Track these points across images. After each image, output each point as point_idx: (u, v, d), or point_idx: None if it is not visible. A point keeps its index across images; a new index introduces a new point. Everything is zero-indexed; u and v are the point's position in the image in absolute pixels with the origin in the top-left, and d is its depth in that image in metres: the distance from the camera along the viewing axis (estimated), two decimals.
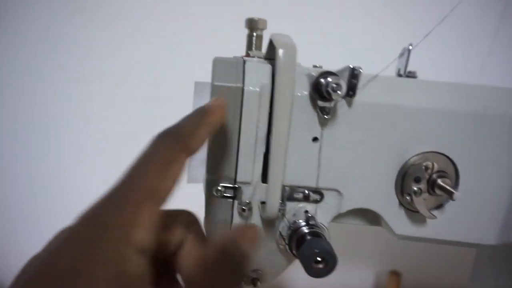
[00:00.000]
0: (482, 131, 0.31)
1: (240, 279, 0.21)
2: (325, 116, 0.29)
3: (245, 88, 0.29)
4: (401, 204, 0.32)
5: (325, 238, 0.30)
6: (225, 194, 0.31)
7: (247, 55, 0.35)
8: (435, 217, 0.31)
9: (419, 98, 0.31)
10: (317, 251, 0.27)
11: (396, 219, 0.33)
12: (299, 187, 0.31)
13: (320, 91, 0.28)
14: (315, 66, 0.34)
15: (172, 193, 0.20)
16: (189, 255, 0.22)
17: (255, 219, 0.32)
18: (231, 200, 0.31)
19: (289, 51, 0.25)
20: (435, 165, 0.30)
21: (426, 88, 0.31)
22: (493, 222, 0.33)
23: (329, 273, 0.28)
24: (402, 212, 0.33)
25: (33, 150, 0.68)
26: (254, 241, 0.22)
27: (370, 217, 0.34)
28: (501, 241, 0.34)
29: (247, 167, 0.30)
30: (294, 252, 0.30)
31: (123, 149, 0.50)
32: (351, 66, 0.28)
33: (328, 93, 0.27)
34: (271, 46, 0.29)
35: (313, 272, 0.28)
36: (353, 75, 0.28)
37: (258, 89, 0.29)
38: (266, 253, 0.33)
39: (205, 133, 0.23)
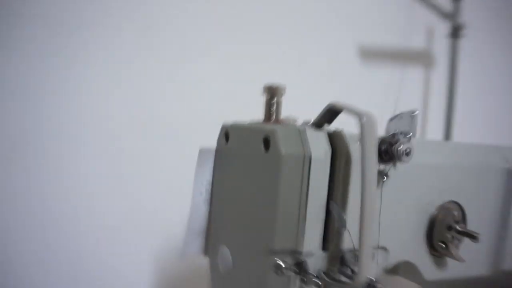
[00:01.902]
0: (483, 181, 0.37)
1: None
2: (383, 179, 0.30)
3: (313, 156, 0.27)
4: (430, 252, 0.35)
5: None
6: (288, 271, 0.28)
7: (267, 120, 0.34)
8: (464, 260, 0.34)
9: (438, 157, 0.35)
10: None
11: (425, 266, 0.35)
12: (356, 249, 0.30)
13: (381, 155, 0.29)
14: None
15: None
16: None
17: None
18: (289, 275, 0.28)
19: (371, 118, 0.26)
20: (459, 213, 0.34)
21: (439, 147, 0.36)
22: (488, 256, 0.38)
23: None
24: (430, 259, 0.35)
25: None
26: None
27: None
28: (492, 271, 0.39)
29: (312, 236, 0.28)
30: None
31: None
32: (400, 132, 0.30)
33: (398, 156, 0.28)
34: (329, 113, 0.29)
35: None
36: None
37: (323, 157, 0.28)
38: None
39: None
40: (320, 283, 0.27)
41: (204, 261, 0.41)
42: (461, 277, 0.37)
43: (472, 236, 0.34)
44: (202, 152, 0.35)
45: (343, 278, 0.30)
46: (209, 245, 0.37)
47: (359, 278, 0.26)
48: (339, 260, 0.30)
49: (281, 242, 0.28)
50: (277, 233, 0.27)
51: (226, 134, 0.34)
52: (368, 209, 0.26)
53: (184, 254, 0.38)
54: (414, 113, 0.36)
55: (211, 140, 0.36)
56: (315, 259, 0.29)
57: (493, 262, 0.39)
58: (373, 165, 0.26)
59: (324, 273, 0.29)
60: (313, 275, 0.28)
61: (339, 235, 0.30)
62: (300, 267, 0.28)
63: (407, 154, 0.28)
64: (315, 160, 0.28)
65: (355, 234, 0.30)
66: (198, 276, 0.63)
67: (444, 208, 0.34)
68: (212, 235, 0.37)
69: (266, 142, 0.28)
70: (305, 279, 0.28)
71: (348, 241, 0.30)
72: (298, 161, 0.27)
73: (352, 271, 0.29)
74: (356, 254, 0.30)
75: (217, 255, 0.35)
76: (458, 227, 0.34)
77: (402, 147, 0.28)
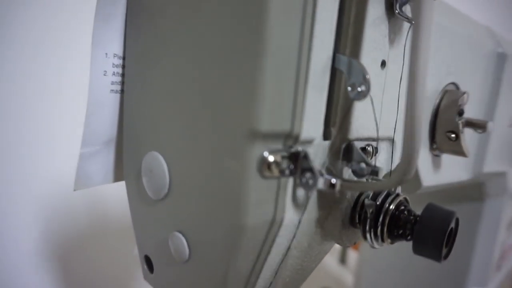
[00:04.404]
0: (477, 62, 0.29)
1: None
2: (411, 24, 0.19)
3: None
4: (430, 149, 0.27)
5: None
6: (277, 168, 0.16)
7: None
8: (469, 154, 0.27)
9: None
10: (448, 227, 0.18)
11: (425, 168, 0.27)
12: (364, 139, 0.20)
13: None
14: None
15: None
16: None
17: (311, 206, 0.19)
18: (277, 176, 0.17)
19: None
20: (463, 97, 0.26)
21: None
22: (474, 153, 0.32)
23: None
24: (430, 158, 0.27)
25: None
26: None
27: None
28: (474, 173, 0.33)
29: (314, 112, 0.17)
30: (386, 239, 0.19)
31: None
32: None
33: None
34: None
35: (445, 255, 0.18)
36: None
37: None
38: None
39: None
40: (335, 182, 0.16)
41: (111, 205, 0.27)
42: (447, 183, 0.31)
43: (481, 125, 0.26)
44: None
45: (352, 177, 0.19)
46: (125, 161, 0.24)
47: (409, 168, 0.15)
48: (343, 152, 0.19)
49: (269, 119, 0.15)
50: (264, 101, 0.15)
51: None
52: (421, 68, 0.15)
53: (81, 182, 0.24)
54: None
55: None
56: (314, 151, 0.18)
57: (475, 163, 0.33)
58: None
59: (328, 170, 0.19)
60: (321, 174, 0.17)
61: (347, 112, 0.19)
62: (296, 163, 0.17)
63: None
64: None
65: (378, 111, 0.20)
66: (104, 228, 0.47)
67: (449, 92, 0.26)
68: (128, 143, 0.23)
69: None
70: (305, 180, 0.17)
71: (360, 124, 0.19)
72: None
73: (368, 164, 0.19)
74: (372, 144, 0.20)
75: (139, 174, 0.22)
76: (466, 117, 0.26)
77: None
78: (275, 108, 0.15)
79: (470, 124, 0.26)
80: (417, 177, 0.26)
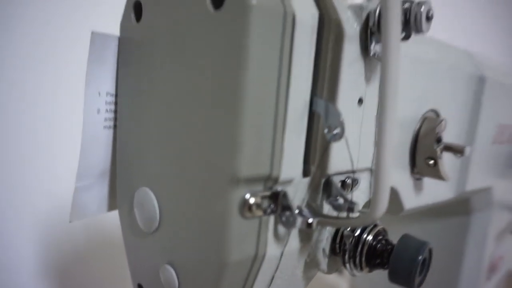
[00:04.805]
0: (456, 87, 0.31)
1: None
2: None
3: (297, 16, 0.17)
4: (411, 173, 0.28)
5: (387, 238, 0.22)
6: (260, 209, 0.17)
7: None
8: (450, 178, 0.28)
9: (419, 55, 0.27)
10: (420, 258, 0.19)
11: (406, 191, 0.28)
12: (341, 173, 0.21)
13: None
14: None
15: None
16: None
17: (293, 238, 0.20)
18: (259, 215, 0.18)
19: None
20: (442, 123, 0.27)
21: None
22: (457, 174, 0.33)
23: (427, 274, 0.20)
24: (411, 182, 0.28)
25: None
26: None
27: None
28: (457, 192, 0.35)
29: (292, 154, 0.18)
30: (364, 268, 0.20)
31: None
32: None
33: (417, 23, 0.18)
34: None
35: (418, 284, 0.19)
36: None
37: (311, 21, 0.17)
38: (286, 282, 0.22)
39: None
40: (311, 222, 0.18)
41: (109, 221, 0.28)
42: (429, 204, 0.32)
43: (459, 150, 0.28)
44: (96, 40, 0.21)
45: (332, 211, 0.21)
46: (118, 193, 0.25)
47: (375, 212, 0.17)
48: (323, 187, 0.21)
49: (249, 165, 0.17)
50: (243, 150, 0.16)
51: (136, 5, 0.21)
52: (390, 110, 0.16)
53: (76, 214, 0.25)
54: None
55: (110, 23, 0.23)
56: (294, 188, 0.19)
57: (458, 182, 0.34)
58: (397, 28, 0.16)
59: (308, 206, 0.20)
60: (300, 211, 0.18)
61: (325, 150, 0.20)
62: (276, 202, 0.18)
63: (429, 18, 0.19)
64: (300, 23, 0.17)
65: (353, 148, 0.21)
66: (102, 244, 0.49)
67: (427, 119, 0.28)
68: (121, 176, 0.24)
69: None
70: (285, 218, 0.18)
71: (338, 159, 0.20)
72: (275, 20, 0.16)
73: (345, 200, 0.20)
74: (351, 176, 0.21)
75: (131, 206, 0.23)
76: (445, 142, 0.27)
77: (424, 8, 0.18)
78: (254, 155, 0.16)
79: (448, 149, 0.28)
80: (398, 201, 0.27)
